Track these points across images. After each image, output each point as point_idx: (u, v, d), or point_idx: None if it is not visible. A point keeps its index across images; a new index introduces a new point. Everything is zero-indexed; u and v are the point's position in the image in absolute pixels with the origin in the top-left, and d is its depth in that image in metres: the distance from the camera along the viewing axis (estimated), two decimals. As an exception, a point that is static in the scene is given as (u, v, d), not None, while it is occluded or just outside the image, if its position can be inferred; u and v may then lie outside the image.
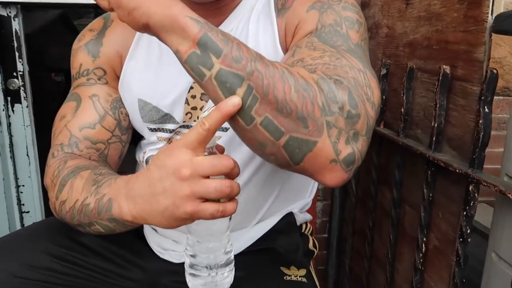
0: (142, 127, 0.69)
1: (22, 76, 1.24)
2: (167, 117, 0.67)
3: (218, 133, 0.65)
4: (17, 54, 1.22)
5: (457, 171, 0.71)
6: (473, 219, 0.71)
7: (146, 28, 0.47)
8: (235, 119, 0.44)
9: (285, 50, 0.63)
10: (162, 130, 0.69)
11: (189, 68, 0.45)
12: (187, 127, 0.68)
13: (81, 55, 0.69)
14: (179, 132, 0.69)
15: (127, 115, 0.70)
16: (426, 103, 0.85)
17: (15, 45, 1.22)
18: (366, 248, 1.12)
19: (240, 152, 0.65)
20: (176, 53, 0.45)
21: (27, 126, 1.27)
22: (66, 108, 0.69)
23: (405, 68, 0.90)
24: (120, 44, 0.69)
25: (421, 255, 0.84)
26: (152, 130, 0.69)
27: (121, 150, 0.71)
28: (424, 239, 0.83)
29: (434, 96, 0.79)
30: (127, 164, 0.82)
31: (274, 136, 0.44)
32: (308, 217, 0.78)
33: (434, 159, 0.77)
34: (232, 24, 0.65)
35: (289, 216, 0.73)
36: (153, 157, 0.49)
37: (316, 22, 0.58)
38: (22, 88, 1.24)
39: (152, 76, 0.67)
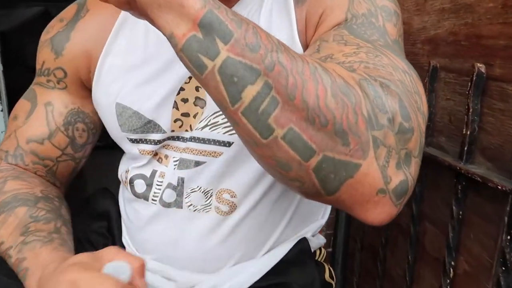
0: (121, 137, 0.58)
1: (-4, 77, 1.12)
2: (150, 125, 0.55)
3: (218, 149, 0.54)
4: (-11, 52, 1.11)
5: (499, 187, 0.60)
6: (516, 243, 0.61)
7: (131, 3, 0.35)
8: (246, 128, 0.33)
9: (305, 45, 0.52)
10: (145, 141, 0.57)
11: (186, 58, 0.33)
12: (177, 138, 0.57)
13: (45, 51, 0.58)
14: (168, 145, 0.57)
15: (84, 130, 0.61)
16: (453, 107, 0.75)
17: (-12, 42, 1.10)
18: (378, 266, 1.02)
19: (246, 171, 0.54)
20: (171, 38, 0.33)
21: (1, 132, 1.15)
22: (21, 107, 0.60)
23: (426, 68, 0.80)
24: (93, 41, 0.57)
25: (448, 280, 0.74)
26: (133, 141, 0.57)
27: (74, 167, 0.63)
28: (452, 263, 0.73)
29: (464, 99, 0.69)
30: (110, 179, 0.70)
31: (301, 156, 0.33)
32: (322, 240, 0.68)
33: (468, 172, 0.66)
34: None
35: (303, 243, 0.62)
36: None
37: (345, 11, 0.47)
38: (-5, 89, 1.13)
39: (132, 75, 0.55)
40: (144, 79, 0.55)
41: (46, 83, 0.59)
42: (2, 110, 1.14)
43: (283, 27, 0.52)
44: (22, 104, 0.61)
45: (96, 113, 0.61)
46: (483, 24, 0.67)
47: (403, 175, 0.35)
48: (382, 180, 0.34)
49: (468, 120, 0.67)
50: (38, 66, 0.60)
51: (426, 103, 0.40)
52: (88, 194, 0.75)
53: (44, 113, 0.59)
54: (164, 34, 0.34)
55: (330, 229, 1.35)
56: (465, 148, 0.68)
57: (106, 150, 0.80)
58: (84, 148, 0.63)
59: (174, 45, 0.33)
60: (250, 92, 0.32)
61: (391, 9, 0.48)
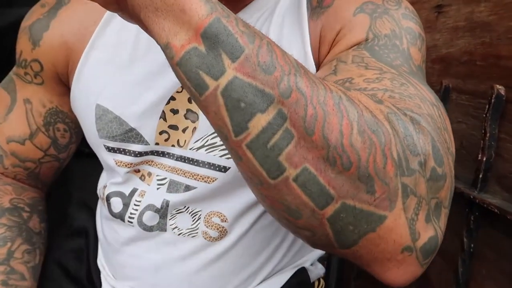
0: (97, 144, 0.52)
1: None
2: (132, 134, 0.49)
3: (212, 174, 0.48)
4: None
5: (520, 221, 0.55)
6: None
7: (120, 2, 0.29)
8: (250, 164, 0.27)
9: (318, 63, 0.46)
10: (123, 151, 0.51)
11: (183, 75, 0.27)
12: (162, 154, 0.51)
13: (23, 40, 0.53)
14: (152, 162, 0.51)
15: (66, 130, 0.55)
16: (465, 131, 0.70)
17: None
18: (375, 297, 0.95)
19: (240, 196, 0.49)
20: (166, 48, 0.27)
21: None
22: (1, 99, 0.56)
23: (437, 88, 0.75)
24: (74, 33, 0.51)
25: (456, 319, 0.68)
26: (109, 150, 0.51)
27: (58, 167, 0.60)
28: (461, 300, 0.67)
29: (478, 122, 0.64)
30: (92, 191, 0.63)
31: (316, 202, 0.27)
32: (321, 270, 0.62)
33: (483, 201, 0.61)
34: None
35: (301, 273, 0.55)
36: None
37: (366, 29, 0.43)
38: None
39: (118, 73, 0.49)
40: (131, 80, 0.49)
41: (23, 76, 0.54)
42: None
43: (295, 42, 0.47)
44: (2, 96, 0.56)
45: None
46: (502, 43, 0.63)
47: (433, 230, 0.30)
48: (410, 236, 0.28)
49: (484, 146, 0.62)
50: (17, 56, 0.55)
51: (453, 142, 0.35)
52: (70, 206, 0.68)
53: (24, 111, 0.54)
54: (159, 43, 0.28)
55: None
56: (480, 176, 0.63)
57: (95, 157, 0.74)
58: (68, 148, 0.59)
59: (169, 57, 0.27)
60: (259, 122, 0.26)
61: (416, 31, 0.44)
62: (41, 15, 0.53)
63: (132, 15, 0.29)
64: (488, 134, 0.62)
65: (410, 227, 0.28)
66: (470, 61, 0.70)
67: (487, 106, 0.62)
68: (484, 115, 0.63)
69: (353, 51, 0.41)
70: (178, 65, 0.27)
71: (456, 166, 0.74)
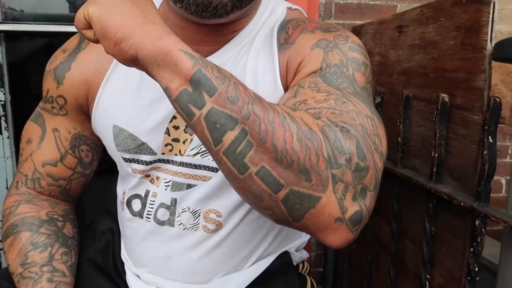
0: (117, 156, 0.65)
1: (4, 106, 1.19)
2: (143, 147, 0.62)
3: (207, 174, 0.61)
4: (-2, 83, 1.18)
5: (462, 204, 0.67)
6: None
7: (134, 61, 0.42)
8: (226, 165, 0.40)
9: (286, 87, 0.59)
10: (137, 161, 0.64)
11: (178, 107, 0.40)
12: (167, 161, 0.63)
13: (49, 80, 0.66)
14: (159, 168, 0.64)
15: (88, 150, 0.69)
16: (424, 133, 0.82)
17: (-3, 74, 1.18)
18: (364, 284, 1.06)
19: (230, 195, 0.61)
20: (166, 90, 0.41)
21: (7, 158, 1.21)
22: (33, 131, 0.68)
23: (401, 97, 0.88)
24: (92, 71, 0.64)
25: (424, 293, 0.79)
26: (126, 160, 0.64)
27: (85, 182, 0.72)
28: (428, 276, 0.78)
29: (433, 125, 0.76)
30: (109, 201, 0.76)
31: (272, 189, 0.39)
32: (305, 255, 0.73)
33: (436, 191, 0.73)
34: (229, 55, 0.61)
35: (285, 256, 0.68)
36: None
37: (320, 61, 0.54)
38: (3, 118, 1.19)
39: (130, 99, 0.62)
40: (140, 105, 0.62)
41: (51, 110, 0.67)
42: (8, 137, 1.21)
43: (268, 70, 0.60)
44: (33, 128, 0.68)
45: (95, 134, 0.68)
46: (446, 59, 0.75)
47: (358, 206, 0.41)
48: (339, 210, 0.40)
49: (435, 144, 0.74)
50: (44, 94, 0.67)
51: (386, 143, 0.47)
52: (87, 218, 0.82)
53: (53, 139, 0.67)
54: (161, 86, 0.41)
55: (321, 249, 1.40)
56: (434, 169, 0.75)
57: (105, 175, 0.87)
58: (91, 165, 0.71)
59: (168, 96, 0.41)
60: (229, 137, 0.38)
61: (360, 60, 0.55)
62: (63, 59, 0.65)
63: (142, 69, 0.43)
64: (438, 135, 0.74)
65: (339, 204, 0.40)
66: (424, 73, 0.82)
67: (435, 111, 0.74)
68: (434, 119, 0.75)
69: (310, 78, 0.53)
70: (175, 101, 0.40)
71: (419, 163, 0.87)
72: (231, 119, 0.38)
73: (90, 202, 0.98)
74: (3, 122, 1.19)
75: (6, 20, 1.20)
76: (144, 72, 0.62)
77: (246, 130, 0.38)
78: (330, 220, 0.40)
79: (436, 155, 0.74)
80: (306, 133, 0.40)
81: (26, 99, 1.65)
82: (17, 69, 1.47)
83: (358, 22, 1.24)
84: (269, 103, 0.41)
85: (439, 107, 0.74)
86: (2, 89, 1.19)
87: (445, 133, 0.74)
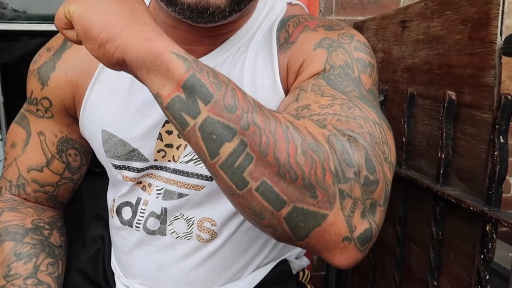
0: (106, 162, 0.62)
1: (-3, 108, 1.16)
2: (134, 153, 0.59)
3: (200, 183, 0.57)
4: (-9, 84, 1.15)
5: (471, 208, 0.63)
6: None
7: (121, 64, 0.38)
8: (223, 180, 0.36)
9: (286, 90, 0.55)
10: (128, 168, 0.60)
11: (170, 115, 0.36)
12: (160, 168, 0.60)
13: (33, 81, 0.62)
14: (152, 174, 0.60)
15: (77, 155, 0.65)
16: (430, 132, 0.79)
17: (-11, 75, 1.15)
18: (368, 288, 1.03)
19: (226, 202, 0.57)
20: (157, 96, 0.37)
21: (1, 161, 1.19)
22: (17, 134, 0.64)
23: (405, 94, 0.84)
24: (78, 72, 0.60)
25: (432, 301, 0.75)
26: (116, 167, 0.61)
27: (73, 187, 0.69)
28: (435, 283, 0.75)
29: (439, 124, 0.73)
30: (105, 204, 0.73)
31: (273, 206, 0.36)
32: (305, 262, 0.70)
33: (443, 194, 0.69)
34: (225, 55, 0.57)
35: (284, 264, 0.64)
36: None
37: (324, 62, 0.51)
38: (-4, 120, 1.17)
39: (119, 102, 0.58)
40: (130, 108, 0.58)
41: (35, 112, 0.63)
42: (1, 140, 1.18)
43: (267, 71, 0.56)
44: (18, 131, 0.65)
45: (83, 137, 0.64)
46: (452, 54, 0.72)
47: (368, 224, 0.38)
48: (347, 229, 0.36)
49: (442, 144, 0.71)
50: (28, 95, 0.64)
51: (395, 152, 0.44)
52: (84, 218, 0.79)
53: (39, 142, 0.63)
54: (151, 93, 0.37)
55: (323, 252, 1.36)
56: (441, 171, 0.71)
57: (105, 176, 0.83)
58: (80, 169, 0.68)
59: (159, 103, 0.37)
60: (227, 149, 0.35)
61: (366, 60, 0.52)
62: (47, 58, 0.61)
63: (130, 73, 0.39)
64: (444, 134, 0.70)
65: (347, 222, 0.36)
66: (430, 70, 0.79)
67: (442, 110, 0.71)
68: (440, 118, 0.71)
69: (313, 80, 0.50)
70: (166, 109, 0.36)
71: (425, 164, 0.83)
72: (229, 129, 0.35)
73: (88, 205, 0.95)
74: (-4, 125, 1.17)
75: (-2, 19, 1.17)
76: None
77: (246, 142, 0.35)
78: (337, 239, 0.37)
79: (443, 156, 0.71)
80: (311, 145, 0.36)
81: (21, 101, 1.62)
82: (11, 70, 1.44)
83: (360, 18, 1.20)
84: (271, 110, 0.37)
85: (445, 105, 0.70)
86: (-5, 91, 1.16)
87: (452, 133, 0.70)
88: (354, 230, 0.37)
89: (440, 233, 0.73)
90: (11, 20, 1.23)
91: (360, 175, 0.37)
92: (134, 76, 0.39)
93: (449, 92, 0.70)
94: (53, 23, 1.12)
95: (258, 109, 0.36)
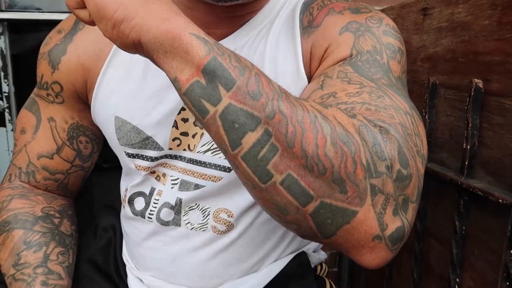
0: (119, 150, 0.59)
1: (8, 98, 1.15)
2: (148, 141, 0.56)
3: (218, 174, 0.55)
4: (2, 74, 1.14)
5: (500, 201, 0.60)
6: (520, 257, 0.60)
7: (137, 46, 0.36)
8: (245, 172, 0.33)
9: (309, 77, 0.52)
10: (141, 157, 0.58)
11: (189, 102, 0.34)
12: (175, 157, 0.57)
13: (43, 65, 0.60)
14: (166, 164, 0.58)
15: (88, 142, 0.63)
16: (453, 123, 0.75)
17: (0, 64, 1.14)
18: (384, 285, 1.00)
19: (243, 193, 0.55)
20: (174, 81, 0.34)
21: (11, 152, 1.18)
22: (27, 120, 0.62)
23: (426, 85, 0.81)
24: (91, 55, 0.57)
25: (453, 298, 0.72)
26: (129, 155, 0.58)
27: (84, 175, 0.67)
28: (457, 279, 0.72)
29: (464, 114, 0.70)
30: (115, 197, 0.71)
31: (299, 201, 0.33)
32: (323, 256, 0.67)
33: (469, 186, 0.66)
34: (245, 39, 0.54)
35: (302, 257, 0.61)
36: None
37: (350, 47, 0.48)
38: (7, 110, 1.16)
39: (134, 88, 0.56)
40: (145, 94, 0.56)
41: (46, 97, 0.61)
42: (12, 130, 1.17)
43: (289, 57, 0.53)
44: (28, 117, 0.63)
45: (95, 124, 0.62)
46: (479, 41, 0.68)
47: (400, 222, 0.35)
48: (378, 227, 0.34)
49: (468, 135, 0.68)
50: (38, 79, 0.62)
51: (426, 144, 0.41)
52: (94, 208, 0.77)
53: (49, 129, 0.61)
54: (169, 77, 0.35)
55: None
56: (466, 163, 0.68)
57: (114, 171, 0.82)
58: (91, 157, 0.66)
59: (177, 89, 0.35)
60: (250, 139, 0.32)
61: (395, 46, 0.49)
62: (58, 41, 0.59)
63: (146, 56, 0.36)
64: (470, 124, 0.67)
65: (378, 220, 0.34)
66: (453, 58, 0.76)
67: (468, 99, 0.68)
68: (466, 107, 0.68)
69: (339, 66, 0.47)
70: (184, 95, 0.34)
71: (447, 156, 0.80)
72: (252, 118, 0.32)
73: (98, 196, 0.94)
74: (7, 115, 1.16)
75: (9, 8, 1.16)
76: None
77: (270, 132, 0.32)
78: (367, 238, 0.34)
79: (468, 147, 0.68)
80: (341, 136, 0.33)
81: (31, 90, 1.62)
82: (21, 60, 1.43)
83: (377, 8, 1.17)
84: (297, 98, 0.35)
85: (472, 93, 0.67)
86: (6, 80, 1.15)
87: (478, 122, 0.67)
88: (385, 228, 0.34)
89: (463, 228, 0.70)
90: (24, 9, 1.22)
91: (393, 169, 0.34)
92: (150, 59, 0.36)
93: (476, 80, 0.67)
94: (62, 12, 1.11)
95: (284, 96, 0.34)
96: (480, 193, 0.64)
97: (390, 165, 0.34)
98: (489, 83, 0.66)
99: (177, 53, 0.33)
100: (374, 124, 0.36)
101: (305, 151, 0.32)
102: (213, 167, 0.56)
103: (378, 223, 0.34)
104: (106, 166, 0.72)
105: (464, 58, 0.73)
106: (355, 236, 0.34)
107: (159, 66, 0.36)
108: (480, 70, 0.68)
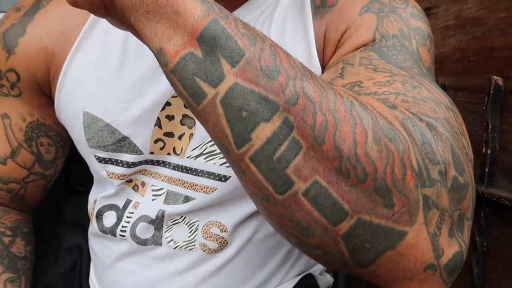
0: (88, 154, 0.49)
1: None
2: (124, 143, 0.46)
3: (212, 184, 0.46)
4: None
5: (533, 210, 0.53)
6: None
7: (107, 5, 0.27)
8: (255, 179, 0.25)
9: (323, 64, 0.44)
10: (115, 162, 0.48)
11: (179, 82, 0.25)
12: (157, 162, 0.48)
13: None
14: (146, 171, 0.48)
15: (50, 145, 0.52)
16: (466, 127, 0.69)
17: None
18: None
19: (241, 205, 0.47)
20: (159, 54, 0.25)
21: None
22: None
23: (432, 88, 0.75)
24: (55, 37, 0.48)
25: (475, 325, 0.64)
26: (101, 160, 0.48)
27: (45, 185, 0.55)
28: (479, 303, 0.64)
29: (478, 117, 0.63)
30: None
31: (328, 218, 0.25)
32: (330, 279, 0.58)
33: (491, 195, 0.59)
34: (245, 20, 0.46)
35: (309, 280, 0.52)
36: None
37: (373, 30, 0.41)
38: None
39: (108, 78, 0.46)
40: (121, 85, 0.46)
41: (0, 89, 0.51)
42: None
43: (299, 42, 0.45)
44: None
45: (59, 123, 0.52)
46: (494, 36, 0.63)
47: (457, 246, 0.27)
48: (433, 253, 0.26)
49: (487, 138, 0.61)
50: None
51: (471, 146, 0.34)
52: (61, 225, 0.65)
53: (2, 127, 0.51)
54: (151, 49, 0.26)
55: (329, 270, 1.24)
56: (486, 170, 0.61)
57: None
58: (55, 163, 0.55)
59: (163, 64, 0.25)
60: (263, 132, 0.24)
61: (425, 31, 0.42)
62: (16, 20, 0.49)
63: (121, 20, 0.27)
64: (490, 126, 0.61)
65: (433, 243, 0.26)
66: (464, 57, 0.70)
67: (486, 99, 0.61)
68: (484, 108, 0.62)
69: (360, 52, 0.39)
70: (172, 72, 0.25)
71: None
72: (267, 103, 0.24)
73: (64, 209, 0.82)
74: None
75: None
76: (128, 41, 0.46)
77: (292, 123, 0.24)
78: (417, 268, 0.26)
79: (489, 152, 0.61)
80: (385, 130, 0.25)
81: None
82: None
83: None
84: (325, 81, 0.26)
85: (491, 92, 0.60)
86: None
87: (499, 124, 0.61)
88: (441, 255, 0.26)
89: (484, 243, 0.63)
90: None
91: (447, 176, 0.27)
92: (126, 26, 0.28)
93: (495, 77, 0.60)
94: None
95: (309, 75, 0.25)
96: (507, 202, 0.57)
97: (444, 171, 0.26)
98: (509, 80, 0.60)
99: (163, 13, 0.24)
100: (419, 117, 0.28)
101: (340, 149, 0.24)
102: (205, 175, 0.47)
103: (433, 248, 0.26)
104: (83, 190, 0.61)
105: (476, 56, 0.67)
106: (401, 265, 0.26)
107: (138, 35, 0.27)
108: (497, 67, 0.62)
